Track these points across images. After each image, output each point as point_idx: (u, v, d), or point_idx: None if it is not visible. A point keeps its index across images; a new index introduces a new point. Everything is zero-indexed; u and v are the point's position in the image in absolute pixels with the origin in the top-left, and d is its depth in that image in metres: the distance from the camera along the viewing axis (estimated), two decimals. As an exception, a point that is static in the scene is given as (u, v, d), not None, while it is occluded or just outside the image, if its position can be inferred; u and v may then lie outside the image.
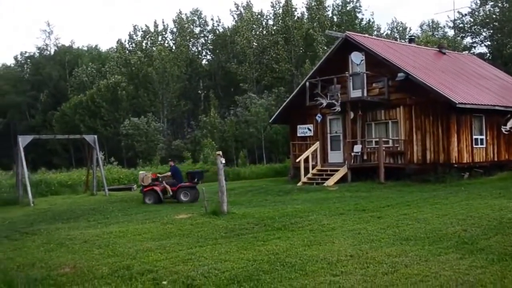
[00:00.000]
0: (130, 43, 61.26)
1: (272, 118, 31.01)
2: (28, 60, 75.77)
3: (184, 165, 37.15)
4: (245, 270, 7.41)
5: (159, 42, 57.95)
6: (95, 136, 26.71)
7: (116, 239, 10.79)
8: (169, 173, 20.24)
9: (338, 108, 23.43)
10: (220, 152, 14.93)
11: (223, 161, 14.73)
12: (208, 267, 7.66)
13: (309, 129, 26.77)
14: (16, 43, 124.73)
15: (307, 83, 25.15)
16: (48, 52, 74.40)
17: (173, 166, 20.83)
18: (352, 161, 23.61)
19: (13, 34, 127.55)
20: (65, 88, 65.72)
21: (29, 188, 22.26)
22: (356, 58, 23.63)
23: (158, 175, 20.34)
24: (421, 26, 64.12)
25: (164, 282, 6.96)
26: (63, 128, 57.05)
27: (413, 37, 35.97)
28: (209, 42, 62.14)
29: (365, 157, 24.01)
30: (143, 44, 59.53)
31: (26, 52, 76.76)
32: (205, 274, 7.22)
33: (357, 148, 23.80)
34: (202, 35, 62.20)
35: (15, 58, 77.16)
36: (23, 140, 23.64)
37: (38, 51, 75.13)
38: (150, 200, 19.08)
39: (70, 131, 48.40)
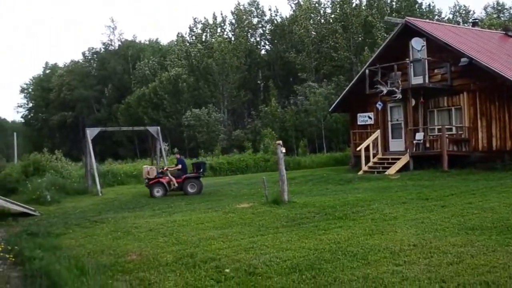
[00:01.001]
0: (190, 36, 62.21)
1: (332, 107, 30.68)
2: (95, 56, 78.38)
3: (245, 154, 37.47)
4: (306, 259, 7.41)
5: (218, 34, 58.38)
6: (158, 128, 27.29)
7: (180, 228, 11.05)
8: (179, 166, 20.37)
9: (399, 96, 22.93)
10: (281, 142, 14.94)
11: (283, 151, 14.74)
12: (269, 255, 7.71)
13: (370, 117, 26.32)
14: (84, 40, 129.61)
15: (367, 71, 24.70)
16: (113, 47, 76.60)
17: (180, 158, 21.10)
18: (414, 149, 23.03)
19: (81, 32, 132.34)
20: (129, 81, 67.45)
21: (97, 179, 23.18)
22: (417, 44, 22.97)
23: (169, 168, 20.49)
24: (485, 9, 61.64)
25: (227, 270, 7.06)
26: (127, 120, 58.76)
27: (476, 20, 34.60)
28: (267, 32, 62.04)
29: (427, 145, 23.35)
30: (203, 36, 60.19)
31: (92, 48, 79.45)
32: (266, 263, 7.27)
33: (419, 135, 23.19)
34: (260, 25, 62.14)
35: (83, 54, 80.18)
36: (91, 133, 24.55)
37: (104, 46, 77.65)
38: (159, 192, 19.11)
39: (134, 123, 49.72)
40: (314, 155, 38.89)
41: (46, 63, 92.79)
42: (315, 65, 50.73)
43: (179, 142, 51.28)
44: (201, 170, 20.59)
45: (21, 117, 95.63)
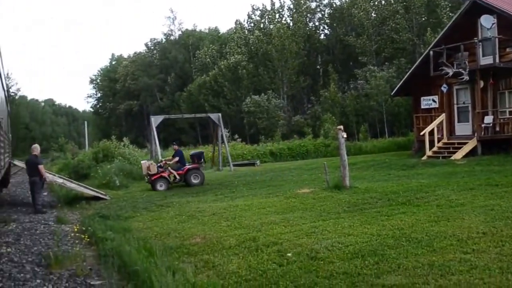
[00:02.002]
0: (248, 23, 62.37)
1: (394, 91, 30.04)
2: (156, 46, 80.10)
3: (305, 140, 37.41)
4: (369, 244, 7.37)
5: (276, 20, 58.19)
6: (219, 114, 27.68)
7: (242, 212, 11.25)
8: (177, 158, 20.03)
9: (466, 77, 22.14)
10: (341, 127, 14.84)
11: (344, 136, 14.64)
12: (331, 240, 7.72)
13: (434, 101, 25.59)
14: (146, 31, 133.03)
15: (431, 52, 23.95)
16: (173, 37, 78.00)
17: (178, 150, 20.74)
18: (483, 133, 22.23)
19: (143, 24, 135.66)
20: (190, 70, 68.55)
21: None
22: (487, 21, 21.88)
23: (167, 162, 20.12)
24: None
25: (289, 254, 7.13)
26: (189, 107, 59.80)
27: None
28: (326, 16, 61.25)
29: (497, 129, 22.41)
30: (261, 23, 60.19)
31: (154, 38, 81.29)
32: (328, 248, 7.29)
33: (488, 119, 22.33)
34: (318, 9, 61.39)
35: (146, 45, 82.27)
36: (155, 120, 25.24)
37: (165, 36, 79.29)
38: (162, 187, 18.81)
39: (196, 110, 50.56)
40: (375, 140, 38.39)
41: (112, 55, 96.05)
42: (375, 48, 49.75)
43: (239, 129, 51.76)
44: (201, 160, 20.50)
45: (91, 106, 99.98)
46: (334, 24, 58.48)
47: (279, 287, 5.74)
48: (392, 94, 32.22)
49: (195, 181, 19.24)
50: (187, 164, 19.91)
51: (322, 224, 9.15)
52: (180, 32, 77.56)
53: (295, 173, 21.39)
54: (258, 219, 10.17)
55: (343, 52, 56.21)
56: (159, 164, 19.52)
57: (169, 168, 19.37)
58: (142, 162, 20.54)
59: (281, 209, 11.40)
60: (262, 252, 7.43)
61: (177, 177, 19.30)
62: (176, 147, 21.11)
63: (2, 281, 6.96)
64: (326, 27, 61.85)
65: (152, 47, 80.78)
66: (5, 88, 13.93)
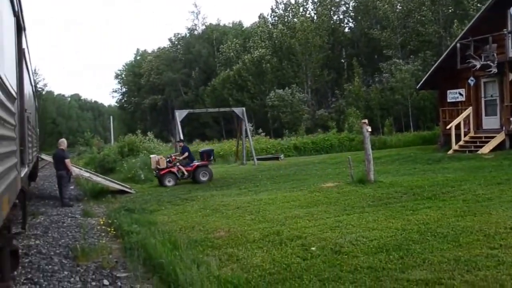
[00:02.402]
0: (272, 17, 62.26)
1: (419, 84, 29.68)
2: (180, 41, 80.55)
3: (329, 134, 37.27)
4: (393, 239, 7.31)
5: (300, 14, 57.97)
6: (243, 109, 27.70)
7: (266, 206, 11.26)
8: (186, 154, 19.82)
9: (494, 70, 21.72)
10: (366, 121, 14.74)
11: (369, 130, 14.54)
12: (355, 235, 7.69)
13: (461, 94, 25.21)
14: (171, 26, 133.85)
15: (458, 45, 23.57)
16: (197, 32, 78.32)
17: (185, 146, 20.54)
18: (511, 126, 21.85)
19: (168, 19, 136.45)
20: (214, 64, 68.79)
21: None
22: (517, 12, 21.47)
23: (177, 157, 19.92)
24: None
25: (313, 248, 7.11)
26: (213, 102, 60.02)
27: None
28: (350, 9, 60.89)
29: (527, 122, 22.00)
30: (285, 16, 60.02)
31: (178, 33, 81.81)
32: (353, 242, 7.26)
33: (517, 112, 21.91)
34: (343, 2, 61.03)
35: (170, 40, 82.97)
36: (179, 115, 25.38)
37: (188, 31, 79.70)
38: (170, 182, 18.65)
39: (220, 105, 50.70)
40: (400, 134, 38.10)
41: (137, 50, 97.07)
42: (400, 41, 49.24)
43: (263, 123, 51.80)
44: (211, 158, 20.39)
45: (116, 101, 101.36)
46: (359, 17, 58.06)
47: (303, 281, 5.73)
48: (417, 87, 31.87)
49: (203, 178, 19.06)
50: (195, 161, 19.84)
51: (347, 218, 9.11)
52: (203, 27, 77.92)
53: (319, 167, 21.33)
54: (282, 213, 10.18)
55: (367, 45, 55.76)
56: (168, 159, 19.48)
57: (178, 164, 19.31)
58: (151, 156, 20.49)
59: (305, 203, 11.38)
60: (286, 246, 7.43)
61: (185, 173, 19.18)
62: (181, 144, 20.92)
63: (31, 272, 7.11)
64: (351, 20, 61.47)
65: (176, 42, 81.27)
66: (33, 84, 14.15)
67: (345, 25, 61.79)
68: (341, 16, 61.54)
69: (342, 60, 60.03)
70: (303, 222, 9.01)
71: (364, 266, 6.10)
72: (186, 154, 19.74)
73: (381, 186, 12.94)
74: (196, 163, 19.47)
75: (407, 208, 9.63)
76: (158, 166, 19.01)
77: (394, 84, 42.51)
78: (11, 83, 4.83)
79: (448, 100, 25.95)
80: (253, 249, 7.41)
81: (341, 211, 9.89)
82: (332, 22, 58.40)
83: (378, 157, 21.69)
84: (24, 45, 7.54)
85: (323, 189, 13.42)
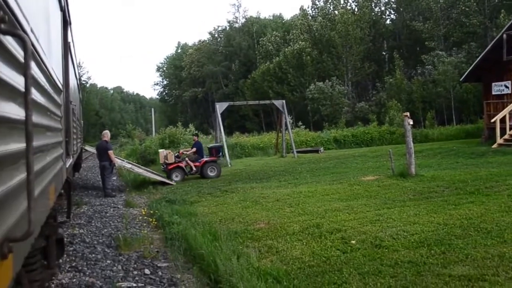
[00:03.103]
0: (313, 9, 61.87)
1: (463, 77, 28.99)
2: (220, 34, 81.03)
3: (369, 127, 36.89)
4: (435, 233, 7.21)
5: (341, 6, 57.40)
6: (283, 101, 27.68)
7: (306, 199, 11.26)
8: (194, 149, 19.62)
9: (542, 62, 21.10)
10: (408, 114, 14.55)
11: (411, 123, 14.35)
12: (396, 229, 7.62)
13: (506, 86, 24.51)
14: (211, 19, 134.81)
15: (505, 36, 22.92)
16: (238, 24, 78.60)
17: (197, 141, 20.24)
18: (558, 120, 21.17)
19: (208, 12, 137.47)
20: (254, 57, 68.91)
21: (226, 151, 24.17)
22: None
23: (184, 152, 19.73)
24: None
25: (353, 242, 7.08)
26: (253, 94, 60.18)
27: None
28: (392, 1, 59.87)
29: None
30: (326, 9, 59.53)
31: (218, 26, 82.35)
32: (393, 236, 7.20)
33: None
34: (385, -6, 60.21)
35: (210, 33, 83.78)
36: (220, 107, 25.57)
37: (229, 24, 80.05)
38: (178, 177, 18.39)
39: (260, 97, 50.80)
40: (442, 128, 37.42)
41: (178, 43, 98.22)
42: (443, 33, 48.20)
43: (303, 115, 51.65)
44: (219, 153, 20.16)
45: (157, 94, 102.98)
46: (401, 9, 57.07)
47: (342, 274, 5.72)
48: (461, 80, 31.14)
49: (211, 173, 18.91)
50: (205, 156, 19.71)
51: (387, 212, 9.04)
52: (244, 20, 78.14)
53: (359, 160, 21.15)
54: (321, 205, 10.17)
55: (409, 37, 54.81)
56: (176, 154, 19.40)
57: (187, 159, 19.18)
58: (160, 151, 20.39)
59: (345, 196, 11.33)
60: (326, 238, 7.42)
61: (194, 168, 19.05)
62: (195, 138, 20.83)
63: (76, 260, 7.31)
64: (392, 12, 60.46)
65: (216, 35, 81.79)
66: (78, 77, 14.48)
67: (387, 17, 60.90)
68: (383, 8, 60.66)
69: (383, 53, 59.21)
70: (343, 215, 8.98)
71: (405, 261, 6.04)
72: (194, 149, 19.63)
73: (423, 180, 12.77)
74: (204, 158, 19.33)
75: (449, 203, 9.48)
76: (166, 161, 18.89)
77: (436, 77, 41.72)
78: (58, 76, 4.97)
79: (493, 93, 25.27)
80: (293, 241, 7.42)
81: (381, 205, 9.81)
82: (373, 14, 57.60)
83: (420, 150, 21.36)
84: (69, 39, 7.72)
85: (363, 182, 13.33)
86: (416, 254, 6.26)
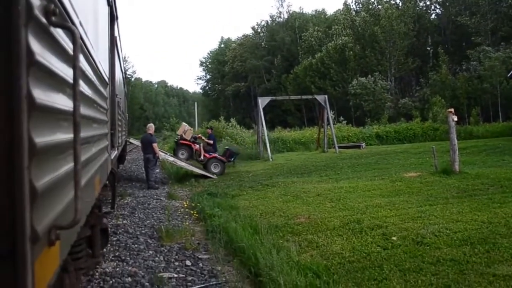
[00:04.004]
0: (356, 4, 61.22)
1: (511, 72, 28.18)
2: (263, 29, 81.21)
3: (412, 123, 36.31)
4: (479, 232, 7.07)
5: (385, 0, 56.55)
6: (326, 96, 27.52)
7: (347, 194, 11.21)
8: (211, 141, 19.49)
9: None
10: (452, 110, 14.27)
11: (455, 119, 14.06)
12: (438, 226, 7.51)
13: (557, 83, 23.71)
14: (252, 15, 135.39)
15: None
16: (281, 19, 78.62)
17: (212, 134, 20.08)
18: None
19: (250, 8, 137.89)
20: (296, 52, 68.73)
21: (268, 145, 24.27)
22: None
23: (203, 138, 19.66)
24: None
25: (394, 238, 7.02)
26: (295, 89, 60.09)
27: None
28: (438, -5, 58.68)
29: None
30: (369, 3, 58.78)
31: (261, 21, 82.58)
32: (435, 233, 7.10)
33: None
34: (430, -12, 58.94)
35: (252, 28, 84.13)
36: (262, 102, 25.65)
37: (271, 19, 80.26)
38: (183, 155, 18.24)
39: (302, 92, 50.64)
40: (488, 124, 36.53)
41: (221, 38, 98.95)
42: (491, 27, 46.88)
43: (345, 111, 51.29)
44: (233, 159, 19.97)
45: (200, 88, 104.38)
46: (447, 4, 55.75)
47: (383, 270, 5.68)
48: (508, 75, 30.31)
49: (214, 169, 18.56)
50: (217, 152, 19.60)
51: (429, 209, 8.91)
52: (287, 15, 78.13)
53: (402, 157, 20.87)
54: (363, 201, 10.10)
55: (455, 32, 53.57)
56: (194, 136, 19.32)
57: (202, 144, 19.13)
58: (183, 123, 20.37)
59: (387, 192, 11.22)
60: (367, 234, 7.37)
61: (202, 157, 18.89)
62: (210, 131, 20.82)
63: (119, 250, 7.49)
64: (438, 7, 59.12)
65: (259, 30, 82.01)
66: (123, 71, 14.76)
67: (432, 12, 59.63)
68: (428, 3, 59.42)
69: (428, 48, 58.00)
70: (384, 211, 8.90)
71: (447, 259, 5.95)
72: (211, 141, 19.66)
73: (466, 177, 12.51)
74: (216, 154, 19.17)
75: (494, 201, 9.27)
76: (183, 135, 18.91)
77: (482, 72, 40.72)
78: (104, 69, 5.09)
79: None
80: (333, 236, 7.41)
81: (423, 202, 9.67)
82: (418, 8, 56.52)
83: (464, 147, 20.91)
84: (116, 33, 7.88)
85: (405, 178, 13.17)
86: (459, 252, 6.16)
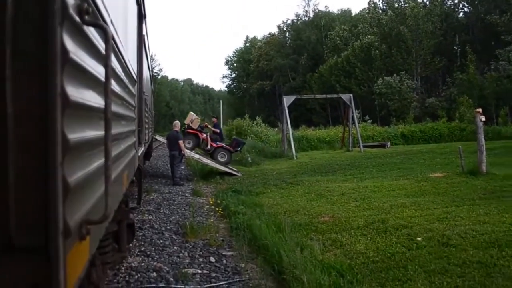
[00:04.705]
0: (383, 2, 60.74)
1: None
2: (289, 27, 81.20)
3: (438, 123, 35.93)
4: (507, 234, 6.96)
5: (411, -1, 56.00)
6: (351, 95, 27.41)
7: (371, 194, 11.16)
8: (217, 130, 19.59)
9: None
10: (480, 110, 14.08)
11: (483, 119, 13.87)
12: (464, 227, 7.42)
13: None
14: (278, 14, 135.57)
15: None
16: (307, 18, 78.54)
17: (217, 123, 20.16)
18: None
19: (275, 6, 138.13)
20: (322, 50, 68.54)
21: (292, 143, 24.29)
22: None
23: (210, 126, 19.70)
24: None
25: (419, 239, 6.96)
26: (320, 88, 59.94)
27: None
28: (467, -7, 57.75)
29: None
30: (396, 2, 58.18)
31: (288, 19, 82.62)
32: (461, 235, 7.01)
33: None
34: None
35: (278, 26, 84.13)
36: (287, 100, 25.66)
37: (297, 18, 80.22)
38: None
39: (327, 91, 50.44)
40: (517, 125, 35.88)
41: (247, 37, 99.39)
42: (522, 26, 45.91)
43: (370, 110, 50.96)
44: (239, 148, 19.94)
45: (226, 86, 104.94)
46: (476, 2, 54.78)
47: (407, 271, 5.64)
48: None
49: (221, 159, 18.74)
50: (223, 142, 19.73)
51: (455, 210, 8.81)
52: (313, 14, 78.02)
53: (427, 157, 20.65)
54: (387, 201, 10.05)
55: (484, 31, 52.57)
56: (201, 125, 19.40)
57: (209, 134, 19.21)
58: (191, 112, 20.41)
59: (412, 192, 11.14)
60: (391, 234, 7.34)
61: (209, 146, 18.97)
62: (215, 120, 21.00)
63: (144, 245, 7.58)
64: (466, 5, 58.15)
65: (285, 29, 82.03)
66: (150, 68, 14.90)
67: (460, 10, 58.69)
68: (456, 1, 58.49)
69: (455, 47, 57.12)
70: (409, 212, 8.84)
71: (473, 261, 5.88)
72: (218, 130, 19.84)
73: (494, 179, 12.35)
74: (223, 144, 19.38)
75: (523, 203, 9.11)
76: (190, 124, 18.94)
77: (511, 72, 39.96)
78: (133, 67, 5.16)
79: None
80: (357, 235, 7.39)
81: (449, 202, 9.58)
82: (445, 7, 55.74)
83: (491, 148, 20.57)
84: (144, 32, 7.97)
85: (431, 179, 13.06)
86: (486, 255, 6.07)
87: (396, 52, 53.23)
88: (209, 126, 20.09)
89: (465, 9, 58.49)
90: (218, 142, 19.25)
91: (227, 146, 19.34)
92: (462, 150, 14.66)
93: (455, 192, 10.82)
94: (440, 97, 48.65)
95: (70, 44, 1.73)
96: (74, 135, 1.80)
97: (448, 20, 54.90)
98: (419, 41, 51.45)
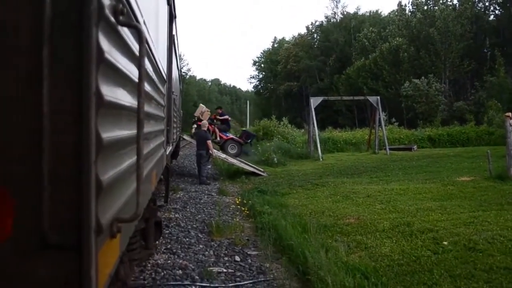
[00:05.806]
0: (412, 5, 60.13)
1: None
2: (318, 29, 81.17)
3: (466, 127, 35.41)
4: (535, 240, 6.86)
5: (441, 1, 55.18)
6: (378, 98, 27.20)
7: (397, 196, 11.08)
8: (226, 116, 19.80)
9: None
10: (510, 114, 13.86)
11: (512, 124, 13.66)
12: (492, 232, 7.31)
13: None
14: (306, 16, 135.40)
15: None
16: (335, 20, 78.31)
17: (223, 112, 20.16)
18: None
19: (303, 8, 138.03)
20: (350, 52, 68.23)
21: (318, 145, 24.26)
22: None
23: (217, 116, 19.70)
24: None
25: (445, 243, 6.90)
26: (347, 90, 59.62)
27: None
28: (498, -4, 56.69)
29: None
30: (425, 5, 57.50)
31: (316, 21, 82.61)
32: (489, 240, 6.92)
33: None
34: (490, -11, 57.05)
35: (307, 27, 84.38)
36: (314, 101, 25.63)
37: (326, 19, 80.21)
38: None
39: (354, 93, 50.13)
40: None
41: (275, 38, 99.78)
42: (557, 28, 44.96)
43: (397, 112, 50.48)
44: (249, 140, 20.06)
45: (253, 87, 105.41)
46: (507, 4, 53.74)
47: (433, 275, 5.61)
48: None
49: (231, 151, 18.97)
50: (231, 134, 19.80)
51: (482, 214, 8.69)
52: (341, 16, 77.71)
53: (454, 160, 20.37)
54: (413, 204, 9.97)
55: (515, 34, 51.61)
56: (210, 117, 19.48)
57: (218, 126, 19.29)
58: (201, 105, 20.60)
59: (438, 196, 11.02)
60: (417, 238, 7.28)
61: (218, 138, 19.11)
62: (220, 110, 20.95)
63: (171, 243, 7.67)
64: (497, 7, 57.07)
65: (313, 30, 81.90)
66: (179, 68, 15.05)
67: (491, 13, 57.64)
68: (487, 3, 57.46)
69: (485, 50, 56.13)
70: (435, 215, 8.76)
71: (501, 266, 5.80)
72: (227, 117, 20.06)
73: (523, 183, 12.14)
74: (233, 136, 19.56)
75: (553, 209, 8.95)
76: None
77: (545, 76, 39.20)
78: (163, 67, 5.24)
79: None
80: (382, 238, 7.36)
81: (476, 207, 9.45)
82: (476, 9, 54.84)
83: (521, 153, 20.17)
84: (174, 32, 8.07)
85: (458, 182, 12.90)
86: (514, 261, 5.99)
87: (425, 54, 52.62)
88: (217, 117, 20.18)
89: (496, 11, 57.49)
90: (227, 134, 19.50)
91: (237, 139, 19.64)
92: (490, 154, 14.45)
93: (483, 196, 10.67)
94: (468, 100, 47.91)
95: (105, 44, 1.76)
96: (107, 134, 1.83)
97: (478, 22, 54.01)
98: (448, 44, 50.78)
